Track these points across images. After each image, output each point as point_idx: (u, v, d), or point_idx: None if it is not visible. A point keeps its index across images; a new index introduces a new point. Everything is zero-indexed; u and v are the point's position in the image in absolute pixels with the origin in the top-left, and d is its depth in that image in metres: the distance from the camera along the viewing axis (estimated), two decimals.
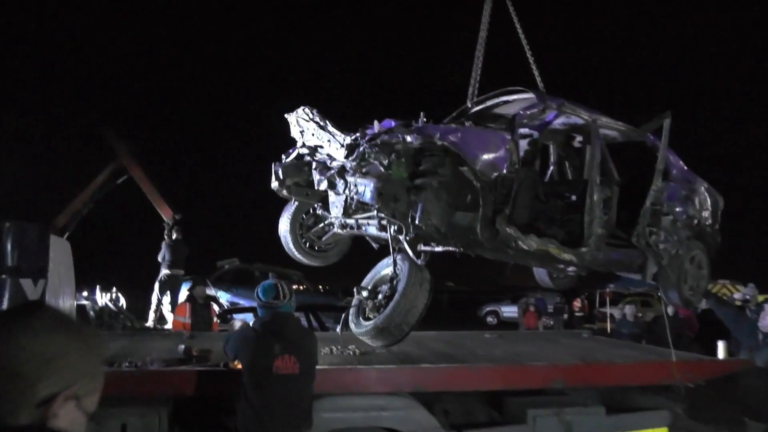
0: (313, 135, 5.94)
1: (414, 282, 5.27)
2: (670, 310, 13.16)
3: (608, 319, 26.30)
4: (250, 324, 4.82)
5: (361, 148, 5.37)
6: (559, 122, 7.02)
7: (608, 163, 6.67)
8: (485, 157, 5.53)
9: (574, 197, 6.72)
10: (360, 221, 5.79)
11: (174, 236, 13.73)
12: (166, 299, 13.30)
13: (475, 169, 5.46)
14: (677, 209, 6.90)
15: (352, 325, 5.74)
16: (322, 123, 5.84)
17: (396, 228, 5.35)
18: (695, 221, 7.11)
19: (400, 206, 5.31)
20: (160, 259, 13.49)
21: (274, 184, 6.16)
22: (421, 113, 5.65)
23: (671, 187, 6.95)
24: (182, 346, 5.29)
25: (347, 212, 5.76)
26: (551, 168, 7.71)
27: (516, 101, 6.64)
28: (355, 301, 5.76)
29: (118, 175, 14.66)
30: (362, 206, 5.58)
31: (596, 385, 6.03)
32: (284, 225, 6.59)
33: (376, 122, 5.64)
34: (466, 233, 5.60)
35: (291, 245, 6.60)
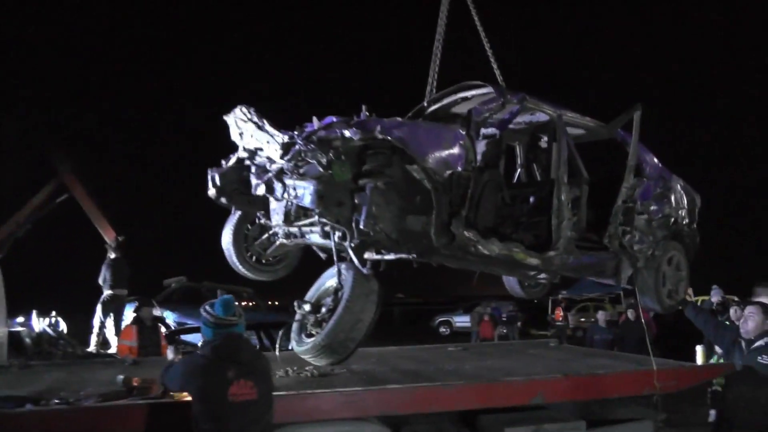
0: (252, 137, 5.38)
1: (359, 293, 4.79)
2: (631, 315, 13.02)
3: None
4: (196, 351, 4.38)
5: (297, 147, 4.85)
6: (523, 120, 6.70)
7: (576, 160, 6.23)
8: (437, 154, 5.05)
9: (541, 199, 6.28)
10: (303, 229, 5.32)
11: (113, 255, 12.99)
12: (110, 322, 12.59)
13: (425, 168, 4.96)
14: (652, 208, 6.59)
15: (294, 344, 5.19)
16: (259, 123, 5.26)
17: (340, 234, 4.87)
18: (672, 220, 6.81)
19: (343, 210, 4.85)
20: (100, 281, 12.76)
21: (211, 192, 5.64)
22: (363, 107, 5.12)
23: (645, 184, 6.63)
24: (120, 377, 4.74)
25: (288, 219, 5.32)
26: (518, 170, 7.35)
27: (475, 97, 6.21)
28: (297, 317, 5.18)
29: (58, 193, 14.03)
30: (303, 212, 5.16)
31: (579, 399, 5.70)
32: (227, 237, 6.05)
33: (315, 119, 5.06)
34: (419, 239, 5.10)
35: (235, 259, 6.06)
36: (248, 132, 5.40)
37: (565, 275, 6.56)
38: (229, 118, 5.51)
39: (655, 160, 6.93)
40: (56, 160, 13.88)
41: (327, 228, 4.89)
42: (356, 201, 4.82)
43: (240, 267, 6.10)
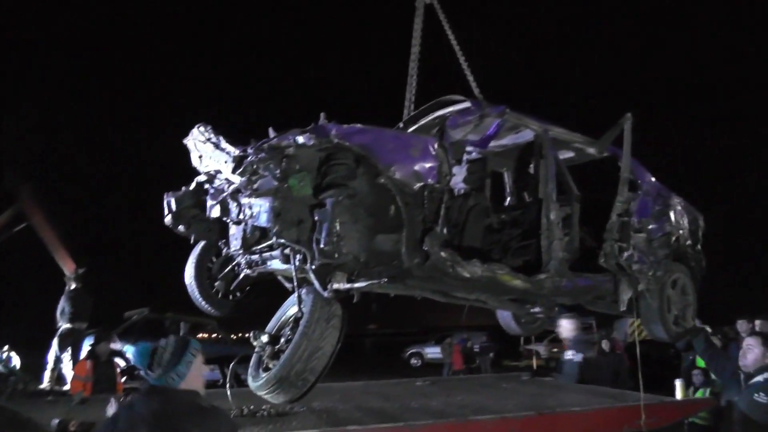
0: (210, 158, 5.01)
1: (319, 318, 4.39)
2: (605, 346, 12.76)
3: (534, 357, 26.32)
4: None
5: (249, 159, 4.43)
6: (508, 142, 6.43)
7: (565, 176, 5.89)
8: (405, 164, 4.62)
9: (530, 220, 5.93)
10: (263, 255, 4.89)
11: (74, 286, 12.51)
12: (66, 356, 12.10)
13: (393, 180, 4.53)
14: (651, 226, 6.26)
15: (249, 379, 4.75)
16: (216, 141, 4.94)
17: (301, 257, 4.40)
18: (673, 239, 6.46)
19: (303, 229, 4.37)
20: (59, 312, 12.27)
21: (168, 219, 5.30)
22: (322, 113, 4.67)
23: (641, 200, 6.31)
24: (56, 421, 4.37)
25: (247, 244, 4.84)
26: (508, 198, 7.08)
27: (452, 113, 5.79)
28: (256, 349, 4.74)
29: (15, 222, 13.59)
30: (261, 233, 4.69)
31: None
32: (189, 272, 5.64)
33: (271, 130, 4.66)
34: (390, 260, 4.61)
35: (198, 295, 5.63)
36: (207, 154, 5.06)
37: (563, 302, 6.22)
38: (189, 141, 5.21)
39: (650, 176, 6.65)
40: (14, 185, 13.44)
41: (287, 250, 4.46)
42: (317, 218, 4.34)
43: (204, 303, 5.67)
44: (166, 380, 3.15)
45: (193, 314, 14.84)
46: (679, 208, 6.70)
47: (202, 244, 5.66)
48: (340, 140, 4.42)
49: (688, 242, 6.73)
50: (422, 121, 6.13)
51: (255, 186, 4.38)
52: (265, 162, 4.29)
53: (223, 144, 4.89)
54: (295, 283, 4.60)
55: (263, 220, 4.33)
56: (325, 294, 4.45)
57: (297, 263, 4.46)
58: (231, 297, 5.75)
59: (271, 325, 4.97)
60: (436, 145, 4.86)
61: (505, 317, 7.28)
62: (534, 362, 21.17)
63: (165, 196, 5.33)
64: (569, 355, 8.59)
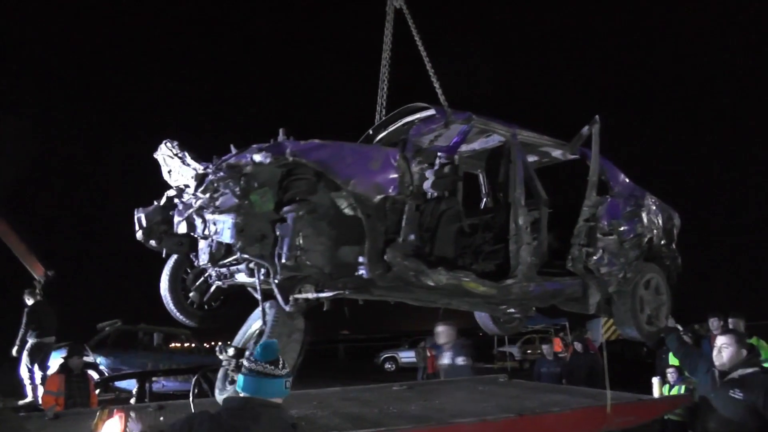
0: (178, 173, 5.07)
1: (280, 332, 4.50)
2: (579, 347, 12.85)
3: (507, 358, 26.41)
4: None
5: (210, 177, 4.54)
6: (479, 146, 6.47)
7: (533, 181, 5.94)
8: (365, 177, 4.65)
9: (499, 224, 5.92)
10: (231, 268, 4.96)
11: (32, 301, 12.15)
12: (36, 370, 11.85)
13: (353, 193, 4.58)
14: (622, 228, 6.27)
15: (216, 391, 4.86)
16: (181, 156, 4.99)
17: (265, 271, 4.48)
18: (645, 240, 6.48)
19: (266, 244, 4.46)
20: (23, 328, 11.92)
21: (139, 235, 5.32)
22: (281, 130, 4.69)
23: (611, 202, 6.33)
24: None
25: (214, 258, 4.89)
26: (484, 199, 7.08)
27: (419, 120, 5.85)
28: (224, 363, 4.78)
29: None
30: (227, 249, 4.74)
31: None
32: (164, 284, 5.69)
33: (232, 147, 4.71)
34: (354, 271, 4.71)
35: (173, 306, 5.68)
36: (175, 168, 5.11)
37: (535, 305, 6.22)
38: (158, 156, 5.24)
39: (623, 176, 6.68)
40: None
41: (251, 264, 4.55)
42: (278, 232, 4.41)
43: (179, 314, 5.72)
44: (283, 384, 3.28)
45: (166, 325, 14.75)
46: (653, 207, 6.72)
47: (175, 256, 5.67)
48: (296, 157, 4.43)
49: (663, 241, 6.76)
50: (391, 128, 6.18)
51: (217, 203, 4.50)
52: (224, 180, 4.39)
53: (188, 160, 4.93)
54: (260, 297, 4.68)
55: (227, 237, 4.40)
56: (287, 308, 4.56)
57: (261, 277, 4.54)
58: (206, 307, 5.81)
59: (238, 339, 5.07)
60: (397, 156, 4.91)
61: (482, 317, 7.30)
62: (508, 364, 21.21)
63: (135, 212, 5.34)
64: (448, 359, 8.77)
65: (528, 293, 5.69)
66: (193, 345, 16.93)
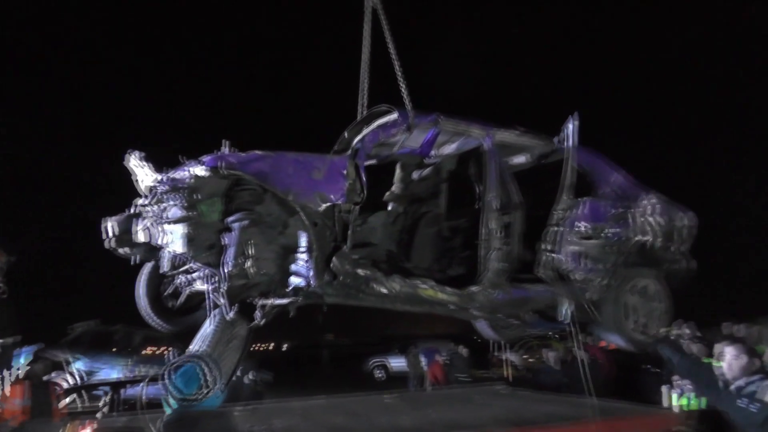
0: (144, 182, 5.16)
1: (219, 339, 4.77)
2: (584, 355, 12.25)
3: (505, 365, 25.85)
4: None
5: (158, 189, 4.74)
6: (456, 147, 6.31)
7: (507, 183, 5.73)
8: (306, 186, 4.74)
9: (471, 228, 5.78)
10: (189, 276, 5.18)
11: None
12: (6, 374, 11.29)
13: (296, 203, 4.68)
14: (606, 231, 5.96)
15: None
16: (143, 166, 5.10)
17: (216, 279, 4.64)
18: (632, 243, 6.13)
19: (215, 253, 4.65)
20: None
21: (109, 242, 5.26)
22: (224, 141, 4.85)
23: (592, 205, 6.02)
24: None
25: (174, 266, 5.18)
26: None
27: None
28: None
29: None
30: (183, 257, 4.89)
31: None
32: (139, 289, 5.76)
33: (181, 158, 4.81)
34: (303, 279, 4.77)
35: (149, 311, 5.71)
36: (141, 177, 5.20)
37: (504, 313, 6.02)
38: (128, 164, 5.30)
39: (622, 176, 6.35)
40: None
41: (205, 272, 4.78)
42: (224, 241, 4.58)
43: (156, 319, 5.76)
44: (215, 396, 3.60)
45: (144, 327, 14.24)
46: (650, 208, 6.36)
47: (152, 262, 5.69)
48: (231, 170, 4.58)
49: (663, 244, 6.38)
50: (365, 131, 5.92)
51: (168, 214, 4.66)
52: (170, 193, 4.61)
53: (148, 170, 5.05)
54: (209, 304, 4.83)
55: (178, 246, 4.60)
56: (228, 316, 4.66)
57: (213, 284, 4.72)
58: (183, 312, 5.87)
59: (194, 344, 5.12)
60: (346, 164, 4.97)
61: (480, 322, 6.94)
62: (505, 371, 20.71)
63: (103, 221, 5.31)
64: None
65: (495, 301, 5.58)
66: (170, 349, 16.46)
